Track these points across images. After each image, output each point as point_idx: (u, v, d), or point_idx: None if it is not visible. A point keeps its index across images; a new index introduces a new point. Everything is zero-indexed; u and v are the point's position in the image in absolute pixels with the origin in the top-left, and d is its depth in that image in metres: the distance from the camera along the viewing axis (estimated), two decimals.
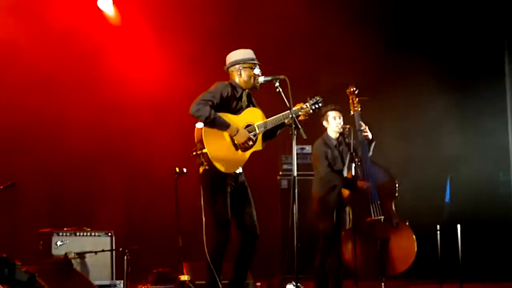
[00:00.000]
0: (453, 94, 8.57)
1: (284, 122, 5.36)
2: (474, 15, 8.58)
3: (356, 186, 6.47)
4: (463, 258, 7.66)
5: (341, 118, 6.70)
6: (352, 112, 6.67)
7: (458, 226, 7.79)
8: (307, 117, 5.41)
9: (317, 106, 5.48)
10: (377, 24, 8.57)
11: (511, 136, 8.38)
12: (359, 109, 6.63)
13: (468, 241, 7.80)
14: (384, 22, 8.60)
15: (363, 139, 6.61)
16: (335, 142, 6.74)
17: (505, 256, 8.11)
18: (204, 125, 5.20)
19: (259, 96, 5.55)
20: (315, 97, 5.48)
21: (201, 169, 5.28)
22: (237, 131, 5.23)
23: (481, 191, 8.13)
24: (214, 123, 5.18)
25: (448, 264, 7.73)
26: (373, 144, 6.71)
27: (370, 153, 6.72)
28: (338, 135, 6.75)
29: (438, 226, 7.82)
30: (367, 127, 6.62)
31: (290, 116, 5.20)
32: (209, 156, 5.19)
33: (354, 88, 6.65)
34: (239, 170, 5.39)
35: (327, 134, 6.79)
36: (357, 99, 6.64)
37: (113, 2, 8.50)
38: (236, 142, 5.26)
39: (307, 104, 5.43)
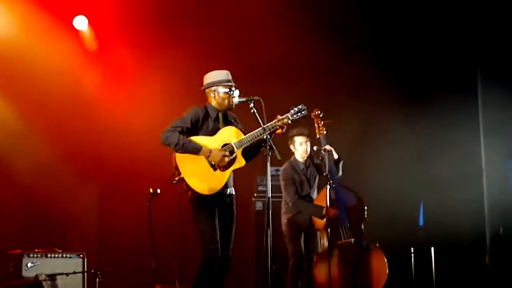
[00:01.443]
0: (425, 118, 8.63)
1: (265, 138, 5.27)
2: (447, 40, 8.68)
3: (321, 213, 6.53)
4: (437, 280, 7.72)
5: (308, 143, 6.82)
6: (318, 136, 6.70)
7: (432, 248, 7.87)
8: (283, 131, 5.33)
9: (300, 114, 5.37)
10: (350, 43, 8.65)
11: (484, 159, 8.46)
12: (325, 132, 6.67)
13: (442, 263, 7.87)
14: (360, 43, 8.67)
15: (331, 161, 6.64)
16: (302, 166, 6.88)
17: (478, 279, 8.15)
18: (176, 151, 5.21)
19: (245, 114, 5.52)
20: (298, 105, 5.40)
21: (189, 193, 5.29)
22: (210, 152, 5.23)
23: (454, 213, 8.16)
24: (185, 149, 5.20)
25: (422, 286, 7.78)
26: (341, 164, 6.79)
27: (340, 172, 6.79)
28: (306, 158, 6.84)
29: (412, 249, 7.89)
30: (332, 149, 6.66)
31: (265, 137, 5.19)
32: (186, 181, 5.20)
33: (319, 112, 6.68)
34: (230, 191, 5.40)
35: (294, 157, 6.91)
36: (322, 122, 6.68)
37: (89, 23, 8.46)
38: (212, 162, 5.25)
39: (289, 114, 5.36)
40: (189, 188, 5.23)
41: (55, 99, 8.21)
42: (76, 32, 8.45)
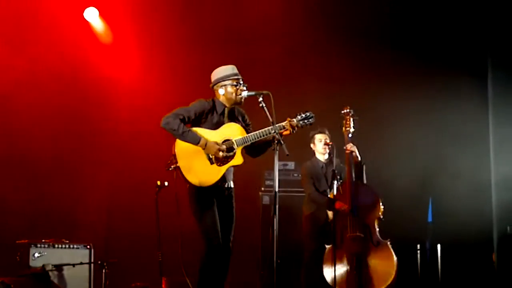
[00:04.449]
0: (435, 114, 8.61)
1: (272, 140, 5.27)
2: (456, 35, 8.63)
3: (334, 207, 6.67)
4: (442, 277, 7.72)
5: (328, 140, 7.03)
6: (344, 132, 6.82)
7: (439, 245, 7.85)
8: (292, 132, 5.34)
9: (307, 121, 5.38)
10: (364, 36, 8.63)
11: (493, 156, 8.42)
12: (351, 129, 6.79)
13: (448, 260, 7.86)
14: (373, 36, 8.64)
15: (351, 157, 6.76)
16: (321, 164, 7.13)
17: (484, 276, 8.13)
18: (175, 137, 5.26)
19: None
20: (306, 112, 5.40)
21: (187, 185, 5.33)
22: (206, 144, 5.24)
23: (462, 211, 8.15)
24: (183, 137, 5.24)
25: (428, 283, 7.77)
26: (364, 168, 6.91)
27: (364, 178, 6.91)
28: (326, 156, 7.08)
29: (418, 246, 7.88)
30: (356, 150, 6.75)
31: (273, 131, 5.19)
32: (181, 170, 5.25)
33: (349, 109, 6.82)
34: (228, 184, 5.43)
35: (315, 156, 7.19)
36: (351, 119, 6.80)
37: (100, 14, 8.47)
38: (210, 156, 5.27)
39: (295, 119, 5.37)
40: (183, 177, 5.27)
41: (65, 92, 8.25)
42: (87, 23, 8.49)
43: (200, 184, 5.28)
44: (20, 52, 8.06)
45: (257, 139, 5.33)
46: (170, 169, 5.31)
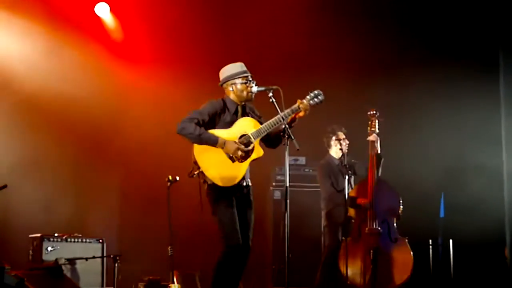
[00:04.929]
0: (448, 110, 8.58)
1: (284, 128, 5.27)
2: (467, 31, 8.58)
3: (355, 202, 6.74)
4: (455, 272, 7.70)
5: (344, 138, 7.12)
6: (369, 133, 6.93)
7: (451, 241, 7.84)
8: (306, 113, 5.33)
9: (317, 100, 5.38)
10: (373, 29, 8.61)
11: (505, 151, 8.37)
12: (377, 130, 6.93)
13: (460, 256, 7.84)
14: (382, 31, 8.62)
15: (372, 148, 6.87)
16: (337, 162, 7.21)
17: (496, 272, 8.10)
18: (193, 142, 5.24)
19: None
20: (314, 91, 5.41)
21: (205, 185, 5.32)
22: (224, 144, 5.24)
23: (474, 206, 8.13)
24: (201, 139, 5.21)
25: (440, 278, 7.76)
26: (381, 162, 6.97)
27: (379, 171, 6.97)
28: (340, 153, 7.14)
29: (430, 241, 7.87)
30: (377, 139, 6.88)
31: (283, 126, 5.20)
32: (206, 175, 5.22)
33: (375, 111, 6.95)
34: (246, 182, 5.41)
35: (329, 154, 7.27)
36: (376, 121, 6.93)
37: (111, 10, 8.49)
38: (229, 154, 5.26)
39: (304, 100, 5.36)
40: (208, 180, 5.24)
41: (79, 94, 8.28)
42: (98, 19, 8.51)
43: (228, 183, 5.25)
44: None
45: (271, 128, 5.31)
46: (194, 176, 5.29)
